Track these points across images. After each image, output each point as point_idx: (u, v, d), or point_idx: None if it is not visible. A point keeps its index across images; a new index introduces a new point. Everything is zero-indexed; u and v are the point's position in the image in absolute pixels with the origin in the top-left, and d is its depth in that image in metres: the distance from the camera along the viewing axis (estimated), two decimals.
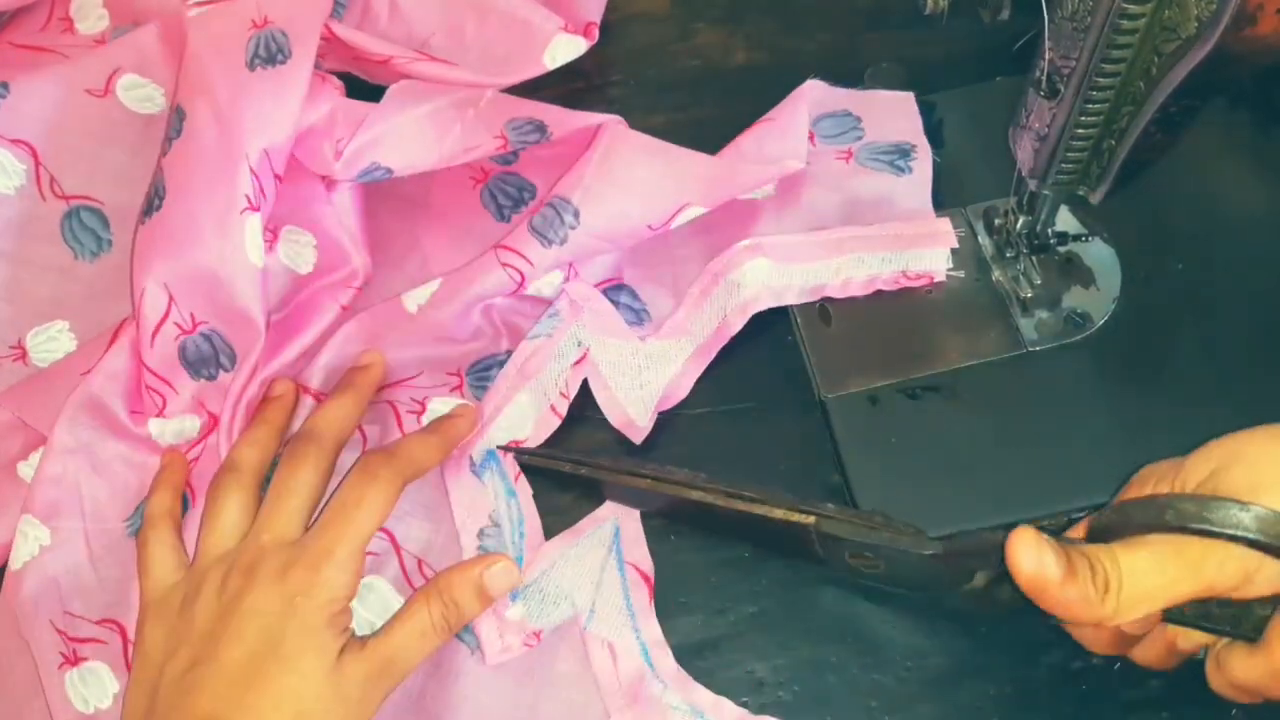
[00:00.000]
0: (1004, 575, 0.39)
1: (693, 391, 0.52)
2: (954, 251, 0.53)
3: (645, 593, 0.48)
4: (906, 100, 0.58)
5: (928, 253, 0.53)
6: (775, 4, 0.63)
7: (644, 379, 0.51)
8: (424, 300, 0.52)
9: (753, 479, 0.50)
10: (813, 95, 0.56)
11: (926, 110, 0.58)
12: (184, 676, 0.42)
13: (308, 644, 0.42)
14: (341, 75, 0.56)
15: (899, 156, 0.56)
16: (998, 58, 0.56)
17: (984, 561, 0.42)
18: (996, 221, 0.54)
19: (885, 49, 0.61)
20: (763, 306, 0.53)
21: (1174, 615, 0.39)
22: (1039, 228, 0.52)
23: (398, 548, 0.49)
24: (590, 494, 0.50)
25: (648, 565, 0.48)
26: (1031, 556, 0.38)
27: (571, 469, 0.49)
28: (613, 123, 0.52)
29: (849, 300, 0.53)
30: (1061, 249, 0.53)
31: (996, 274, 0.53)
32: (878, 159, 0.56)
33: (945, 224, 0.53)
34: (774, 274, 0.53)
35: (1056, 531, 0.48)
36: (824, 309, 0.53)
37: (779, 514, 0.45)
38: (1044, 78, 0.43)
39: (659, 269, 0.55)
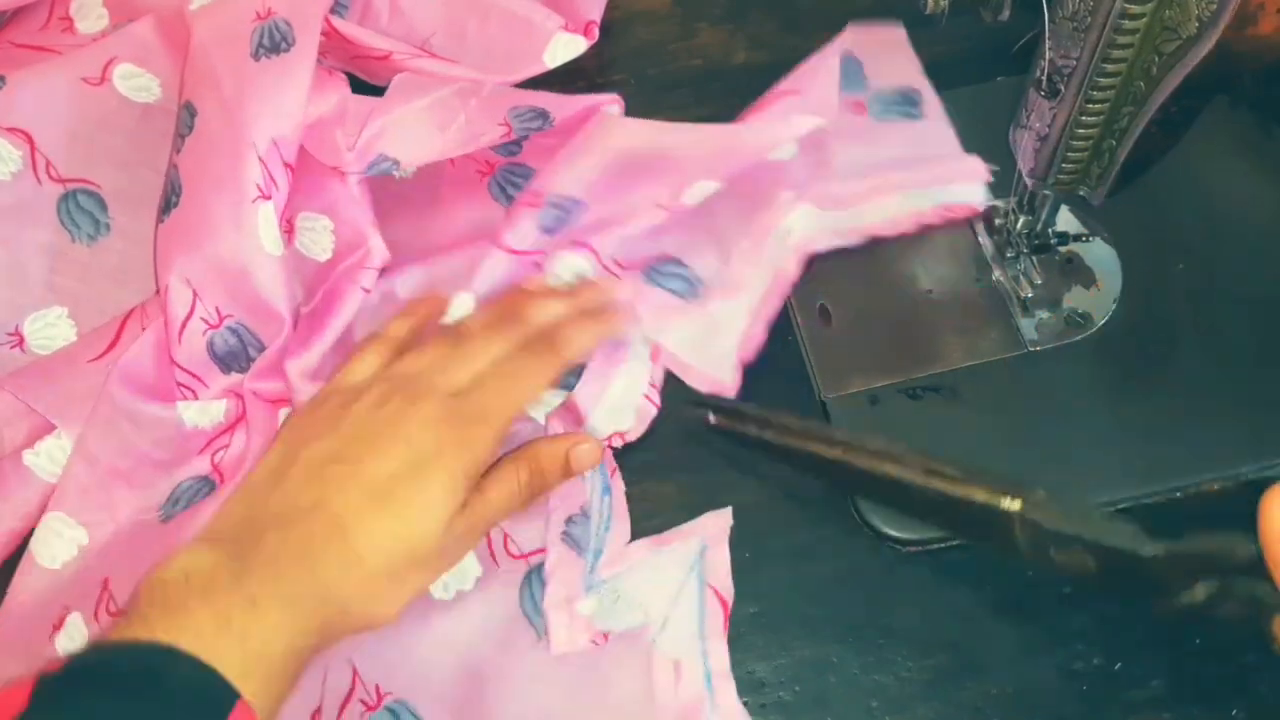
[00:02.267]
0: (1229, 587, 0.36)
1: (693, 392, 0.52)
2: (991, 186, 0.54)
3: (721, 619, 0.46)
4: (898, 34, 0.58)
5: (965, 187, 0.54)
6: (776, 4, 0.63)
7: (719, 343, 0.52)
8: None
9: (753, 480, 0.50)
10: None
11: None
12: (322, 467, 0.43)
13: (443, 489, 0.43)
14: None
15: (909, 105, 0.57)
16: (998, 58, 0.56)
17: (1210, 565, 0.37)
18: (997, 221, 0.54)
19: None
20: (817, 248, 0.53)
21: None
22: (1040, 228, 0.52)
23: None
24: (772, 458, 0.48)
25: (729, 592, 0.47)
26: None
27: (757, 432, 0.47)
28: (606, 106, 0.51)
29: (849, 300, 0.53)
30: (1062, 249, 0.53)
31: (997, 274, 0.53)
32: (891, 110, 0.57)
33: (976, 160, 0.54)
34: (821, 219, 0.53)
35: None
36: (824, 309, 0.53)
37: (981, 496, 0.41)
38: (1044, 78, 0.43)
39: (700, 236, 0.54)
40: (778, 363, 0.53)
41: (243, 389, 0.50)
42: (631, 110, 0.52)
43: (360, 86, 0.57)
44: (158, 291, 0.50)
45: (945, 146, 0.56)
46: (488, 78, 0.56)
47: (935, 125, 0.56)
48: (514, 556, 0.48)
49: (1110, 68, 0.41)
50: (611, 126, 0.50)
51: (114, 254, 0.54)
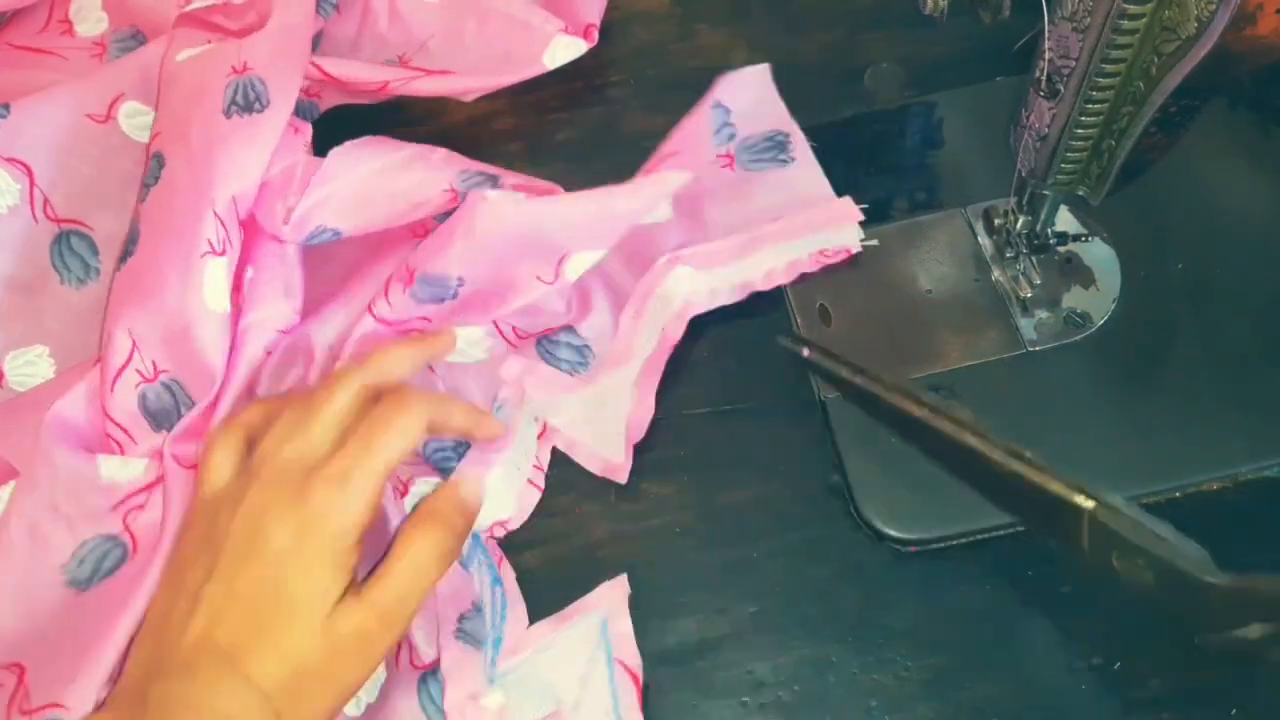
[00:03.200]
0: None
1: (692, 392, 0.52)
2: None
3: (634, 694, 0.45)
4: (762, 75, 0.57)
5: (838, 231, 0.54)
6: (775, 4, 0.63)
7: (606, 414, 0.51)
8: None
9: (753, 479, 0.50)
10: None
11: (926, 110, 0.58)
12: (200, 591, 0.41)
13: (308, 589, 0.40)
14: (337, 109, 0.56)
15: (778, 150, 0.56)
16: (998, 58, 0.56)
17: (1274, 607, 0.35)
18: (996, 221, 0.54)
19: (885, 49, 0.61)
20: (698, 310, 0.53)
21: None
22: (1039, 228, 0.52)
23: None
24: (865, 408, 0.46)
25: (636, 664, 0.46)
26: None
27: (849, 376, 0.45)
28: (474, 196, 0.50)
29: (849, 300, 0.53)
30: (1061, 249, 0.53)
31: (996, 274, 0.53)
32: (760, 159, 0.56)
33: (848, 202, 0.54)
34: (698, 279, 0.53)
35: None
36: (824, 309, 0.53)
37: (1056, 488, 0.40)
38: (1044, 78, 0.43)
39: (595, 295, 0.54)
40: (777, 363, 0.53)
41: (162, 451, 0.47)
42: (632, 110, 0.52)
43: (356, 116, 0.57)
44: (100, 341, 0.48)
45: (816, 189, 0.55)
46: (488, 83, 0.56)
47: (804, 168, 0.56)
48: (416, 667, 0.46)
49: (1109, 68, 0.41)
50: (483, 211, 0.49)
51: (102, 300, 0.53)
